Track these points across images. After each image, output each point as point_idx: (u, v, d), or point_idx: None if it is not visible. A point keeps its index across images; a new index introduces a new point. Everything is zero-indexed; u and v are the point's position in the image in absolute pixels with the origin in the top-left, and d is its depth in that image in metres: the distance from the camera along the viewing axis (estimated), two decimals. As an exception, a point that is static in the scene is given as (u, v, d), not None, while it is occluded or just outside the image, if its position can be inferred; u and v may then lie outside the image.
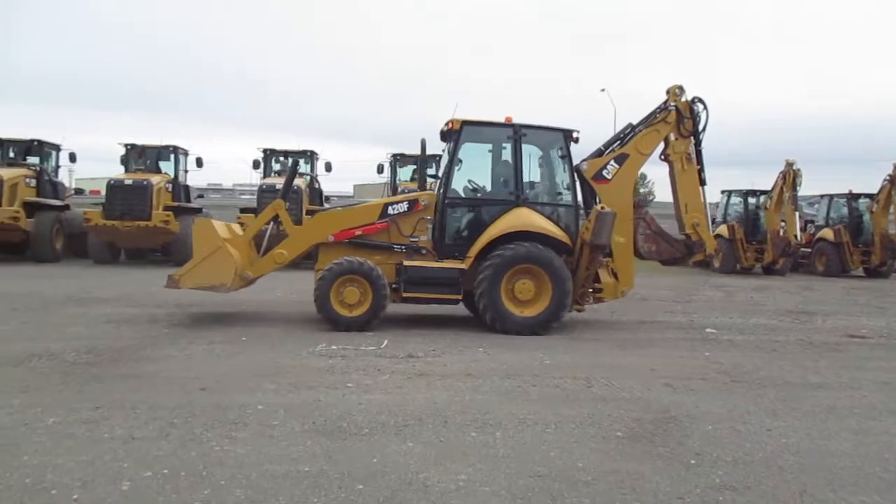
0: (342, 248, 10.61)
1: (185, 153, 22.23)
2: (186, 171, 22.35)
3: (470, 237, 10.62)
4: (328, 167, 22.51)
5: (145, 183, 19.70)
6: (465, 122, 10.63)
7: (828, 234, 24.32)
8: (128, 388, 6.60)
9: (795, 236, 22.43)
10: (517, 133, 10.68)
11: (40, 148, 21.66)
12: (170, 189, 20.90)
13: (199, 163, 22.49)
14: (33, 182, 20.70)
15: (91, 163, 77.82)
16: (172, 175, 21.52)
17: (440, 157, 11.66)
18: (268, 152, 23.07)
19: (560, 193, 11.00)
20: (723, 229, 24.04)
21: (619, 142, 11.26)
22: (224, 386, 6.81)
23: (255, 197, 21.08)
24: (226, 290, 10.24)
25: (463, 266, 10.38)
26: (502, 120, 10.80)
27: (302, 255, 11.23)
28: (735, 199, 25.43)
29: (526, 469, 4.85)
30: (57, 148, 22.33)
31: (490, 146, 11.13)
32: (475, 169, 11.55)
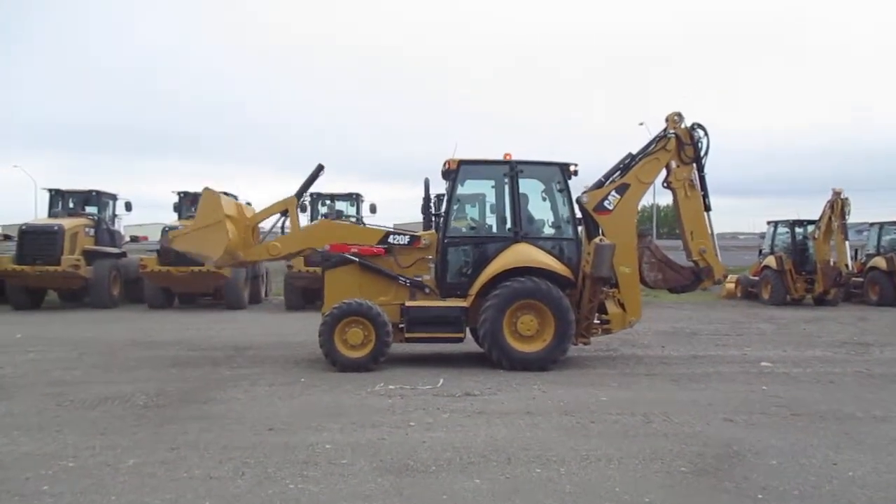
0: (351, 275, 10.78)
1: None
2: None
3: (471, 275, 10.75)
4: (373, 209, 22.88)
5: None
6: (462, 162, 10.85)
7: (880, 262, 23.86)
8: (200, 429, 6.86)
9: (847, 265, 22.06)
10: (513, 169, 10.84)
11: (98, 198, 22.52)
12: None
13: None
14: (92, 231, 21.53)
15: (150, 210, 79.75)
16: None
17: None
18: (314, 196, 23.62)
19: (560, 227, 11.10)
20: (770, 260, 23.74)
21: (619, 172, 11.27)
22: (290, 426, 7.03)
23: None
24: (212, 262, 10.57)
25: (465, 304, 10.52)
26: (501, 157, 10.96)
27: (294, 255, 11.45)
28: (782, 230, 25.10)
29: (593, 504, 4.94)
30: (114, 197, 23.19)
31: (492, 182, 11.24)
32: (479, 206, 11.78)
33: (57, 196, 22.37)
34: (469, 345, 11.28)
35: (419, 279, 10.80)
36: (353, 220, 22.10)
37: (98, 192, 22.55)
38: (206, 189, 10.82)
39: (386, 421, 7.24)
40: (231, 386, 9.03)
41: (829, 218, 21.87)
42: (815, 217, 22.77)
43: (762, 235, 26.54)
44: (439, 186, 11.57)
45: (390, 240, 10.95)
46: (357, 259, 10.78)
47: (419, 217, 11.80)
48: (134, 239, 26.76)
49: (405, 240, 10.94)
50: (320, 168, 11.20)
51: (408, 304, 10.59)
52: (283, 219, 11.23)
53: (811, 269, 23.16)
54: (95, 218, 21.98)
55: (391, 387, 8.94)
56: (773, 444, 6.48)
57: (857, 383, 9.63)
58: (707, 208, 11.40)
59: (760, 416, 7.61)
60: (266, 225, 11.55)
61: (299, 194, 11.28)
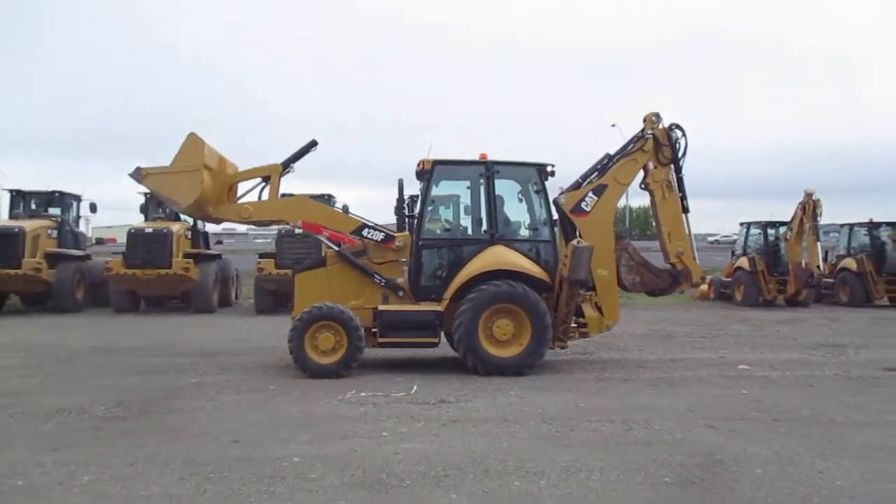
0: (322, 278, 10.47)
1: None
2: (205, 218, 22.44)
3: (446, 278, 10.49)
4: (345, 210, 22.51)
5: (165, 231, 19.77)
6: (437, 162, 10.60)
7: (850, 264, 24.03)
8: (160, 443, 6.51)
9: (818, 267, 22.15)
10: (489, 170, 10.61)
11: (61, 199, 21.83)
12: (189, 236, 20.99)
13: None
14: (55, 233, 20.84)
15: (108, 211, 78.14)
16: (192, 223, 21.60)
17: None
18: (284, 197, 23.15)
19: (537, 229, 10.88)
20: (743, 261, 23.76)
21: (596, 173, 11.06)
22: (257, 438, 6.70)
23: (274, 241, 21.09)
24: (179, 208, 10.07)
25: (440, 308, 10.26)
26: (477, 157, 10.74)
27: (263, 223, 11.15)
28: (754, 231, 25.18)
29: (576, 520, 4.70)
30: (78, 199, 22.50)
31: (468, 183, 11.00)
32: (454, 208, 11.54)
33: (18, 197, 21.60)
34: (444, 349, 10.99)
35: (394, 281, 10.51)
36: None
37: (61, 193, 21.86)
38: (193, 134, 10.20)
39: (358, 431, 6.94)
40: (196, 395, 8.66)
41: (801, 219, 21.97)
42: (788, 218, 22.89)
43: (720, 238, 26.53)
44: (413, 187, 11.29)
45: (364, 232, 10.58)
46: (336, 247, 10.46)
47: (392, 219, 11.49)
48: (99, 241, 26.13)
49: (379, 236, 10.59)
50: (314, 143, 10.78)
51: (381, 308, 10.28)
52: (263, 185, 10.73)
53: (783, 271, 23.24)
54: (58, 219, 21.31)
55: (363, 394, 8.64)
56: (757, 452, 6.29)
57: (836, 386, 9.53)
58: (685, 210, 11.23)
59: (742, 422, 7.44)
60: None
61: (286, 164, 10.78)
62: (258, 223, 11.17)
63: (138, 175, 10.07)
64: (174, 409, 7.89)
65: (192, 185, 9.91)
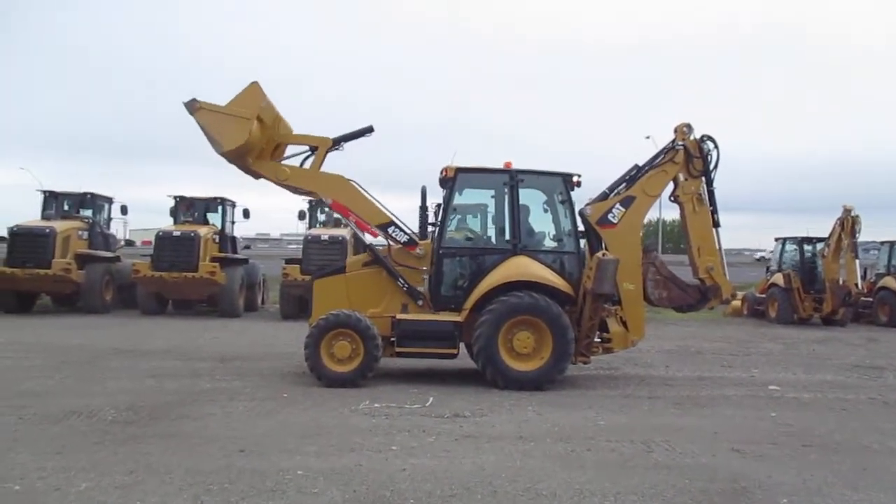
0: (340, 284, 10.33)
1: (233, 205, 22.46)
2: (234, 223, 22.56)
3: (467, 288, 10.24)
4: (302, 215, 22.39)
5: (192, 234, 19.88)
6: (460, 170, 10.39)
7: (890, 282, 23.28)
8: (165, 450, 6.37)
9: (856, 285, 21.50)
10: (513, 179, 10.37)
11: (93, 201, 22.10)
12: (216, 240, 21.06)
13: (246, 214, 22.67)
14: (85, 234, 21.07)
15: (149, 215, 79.39)
16: (220, 226, 21.71)
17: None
18: (313, 203, 23.14)
19: (561, 240, 10.59)
20: (778, 278, 23.17)
21: (625, 184, 10.75)
22: (263, 447, 6.53)
23: (301, 247, 21.07)
24: (220, 150, 9.73)
25: (459, 319, 10.01)
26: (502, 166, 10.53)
27: (296, 190, 10.94)
28: (790, 247, 24.57)
29: (585, 549, 4.43)
30: (109, 200, 22.79)
31: (492, 192, 10.77)
32: (481, 217, 11.29)
33: (51, 198, 21.92)
34: (464, 360, 10.75)
35: (415, 287, 10.32)
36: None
37: (93, 195, 22.14)
38: (255, 83, 10.02)
39: (366, 444, 6.73)
40: (208, 401, 8.54)
41: (840, 236, 21.35)
42: (825, 234, 22.28)
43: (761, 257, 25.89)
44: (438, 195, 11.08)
45: (390, 230, 10.41)
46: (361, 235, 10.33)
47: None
48: (130, 243, 26.41)
49: (403, 238, 10.40)
50: (370, 128, 10.60)
51: (399, 316, 10.09)
52: (309, 155, 10.57)
53: (820, 288, 22.60)
54: (90, 221, 21.55)
55: (377, 405, 8.44)
56: (784, 480, 5.96)
57: (871, 411, 9.09)
58: (716, 224, 10.88)
59: (770, 446, 7.08)
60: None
61: (337, 140, 10.57)
62: (293, 189, 10.87)
63: (192, 106, 9.85)
64: (184, 415, 7.76)
65: (239, 132, 9.67)
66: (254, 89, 9.92)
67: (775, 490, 5.70)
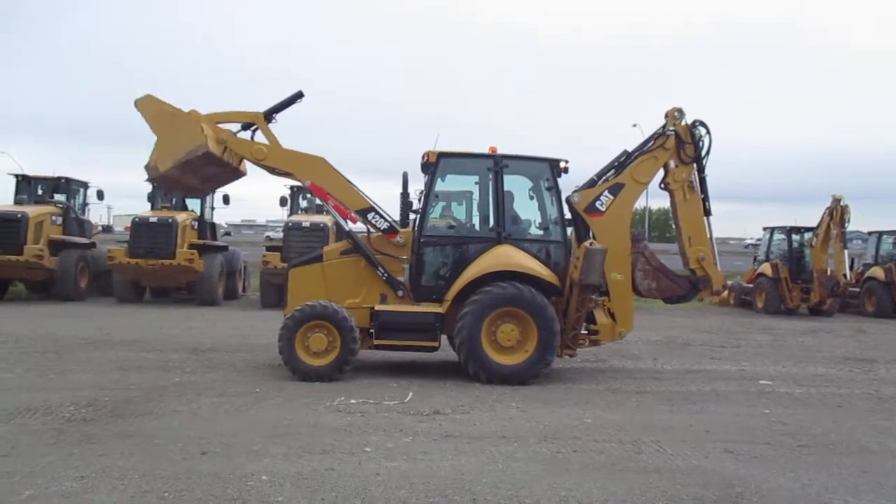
0: (317, 274, 9.89)
1: (85, 185, 21.96)
2: (213, 209, 21.95)
3: (449, 278, 9.83)
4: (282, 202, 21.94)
5: (170, 220, 19.28)
6: (442, 154, 9.97)
7: (878, 273, 23.09)
8: (122, 452, 5.94)
9: (844, 275, 21.28)
10: (498, 164, 9.95)
11: (67, 185, 21.45)
12: (195, 227, 20.49)
13: (226, 200, 22.01)
14: (59, 220, 20.44)
15: (133, 200, 78.33)
16: (199, 213, 21.14)
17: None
18: (294, 189, 22.63)
19: (547, 228, 10.21)
20: (766, 268, 22.92)
21: (613, 170, 10.37)
22: (228, 449, 6.12)
23: (282, 234, 20.57)
24: (205, 149, 9.39)
25: (440, 310, 9.62)
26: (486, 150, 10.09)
27: (277, 171, 10.32)
28: (778, 237, 24.32)
29: (571, 567, 4.06)
30: (85, 185, 22.14)
31: (475, 178, 10.38)
32: (466, 204, 10.86)
33: (24, 182, 21.22)
34: (446, 351, 10.36)
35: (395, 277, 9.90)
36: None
37: (67, 179, 21.49)
38: (143, 98, 9.70)
39: (339, 445, 6.33)
40: (174, 396, 8.10)
41: (828, 225, 21.11)
42: (813, 224, 22.04)
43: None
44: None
45: (369, 216, 9.96)
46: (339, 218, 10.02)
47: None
48: (107, 229, 25.79)
49: (383, 225, 9.94)
50: (300, 94, 10.15)
51: (378, 307, 9.67)
52: (251, 134, 10.14)
53: (807, 278, 22.39)
54: (64, 206, 20.91)
55: (353, 401, 8.03)
56: (782, 485, 5.62)
57: (867, 407, 8.79)
58: (707, 213, 10.51)
59: (765, 446, 6.75)
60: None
61: (268, 113, 10.12)
62: (270, 169, 10.41)
63: (154, 172, 9.72)
64: (147, 412, 7.33)
65: (188, 125, 9.46)
66: (150, 101, 9.71)
67: (773, 496, 5.36)
